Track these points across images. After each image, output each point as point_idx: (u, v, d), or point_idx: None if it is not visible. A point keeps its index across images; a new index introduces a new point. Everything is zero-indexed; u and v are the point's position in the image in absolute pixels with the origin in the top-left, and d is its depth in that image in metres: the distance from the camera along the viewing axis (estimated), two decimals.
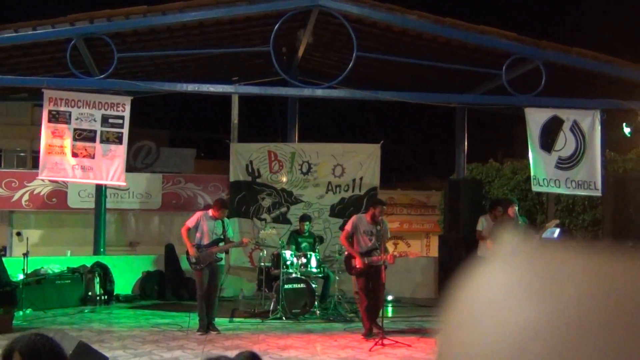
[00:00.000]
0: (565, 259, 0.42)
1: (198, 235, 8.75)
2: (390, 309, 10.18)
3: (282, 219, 11.90)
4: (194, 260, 8.64)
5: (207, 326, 8.61)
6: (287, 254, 9.69)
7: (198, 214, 8.91)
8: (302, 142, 12.78)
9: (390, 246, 9.61)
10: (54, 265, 10.75)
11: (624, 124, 9.11)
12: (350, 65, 8.51)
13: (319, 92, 9.52)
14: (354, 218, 8.73)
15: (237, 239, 10.02)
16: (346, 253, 8.77)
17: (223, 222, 8.90)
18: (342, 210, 11.99)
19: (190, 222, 8.79)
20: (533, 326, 0.39)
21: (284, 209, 11.96)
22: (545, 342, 0.38)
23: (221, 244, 8.79)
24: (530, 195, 11.91)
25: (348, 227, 8.59)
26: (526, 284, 0.41)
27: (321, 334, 8.65)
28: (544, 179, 9.23)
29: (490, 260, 0.45)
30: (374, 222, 8.43)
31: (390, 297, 10.20)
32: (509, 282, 0.42)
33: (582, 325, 0.38)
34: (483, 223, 10.46)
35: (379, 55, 9.48)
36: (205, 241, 8.72)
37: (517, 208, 8.69)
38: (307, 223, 10.51)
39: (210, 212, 8.86)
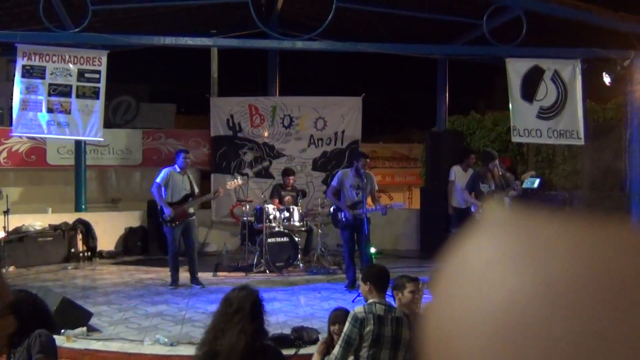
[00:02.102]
0: (553, 229, 0.42)
1: (168, 192, 8.67)
2: (373, 260, 10.27)
3: (265, 174, 11.89)
4: (168, 218, 8.58)
5: (178, 280, 8.68)
6: (270, 208, 9.71)
7: (165, 170, 8.75)
8: (283, 95, 12.68)
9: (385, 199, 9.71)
10: (35, 222, 10.69)
11: (604, 73, 9.11)
12: (330, 16, 8.38)
13: (299, 44, 9.40)
14: (339, 173, 8.84)
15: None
16: (332, 208, 8.84)
17: (188, 176, 8.85)
18: (324, 164, 12.01)
19: (160, 179, 8.67)
20: (518, 296, 0.39)
21: (266, 164, 11.94)
22: (530, 311, 0.38)
23: (190, 199, 8.74)
24: (511, 146, 11.99)
25: (334, 182, 8.70)
26: (512, 254, 0.41)
27: (304, 287, 8.75)
28: (524, 129, 9.26)
29: (476, 230, 0.44)
30: (358, 175, 8.49)
31: (373, 250, 10.28)
32: (495, 251, 0.42)
33: (566, 295, 0.38)
34: (455, 173, 10.55)
35: (359, 6, 9.34)
36: (176, 198, 8.66)
37: (497, 162, 8.73)
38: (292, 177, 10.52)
39: (177, 165, 8.76)
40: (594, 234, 0.40)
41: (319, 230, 10.09)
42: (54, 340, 3.82)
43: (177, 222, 8.58)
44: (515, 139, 9.53)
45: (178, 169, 8.73)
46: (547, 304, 0.38)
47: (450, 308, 0.43)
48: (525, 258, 0.40)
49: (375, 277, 4.28)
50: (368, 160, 8.76)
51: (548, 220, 0.42)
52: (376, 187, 8.90)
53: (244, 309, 3.41)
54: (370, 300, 4.13)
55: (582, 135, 9.05)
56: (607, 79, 9.17)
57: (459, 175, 10.55)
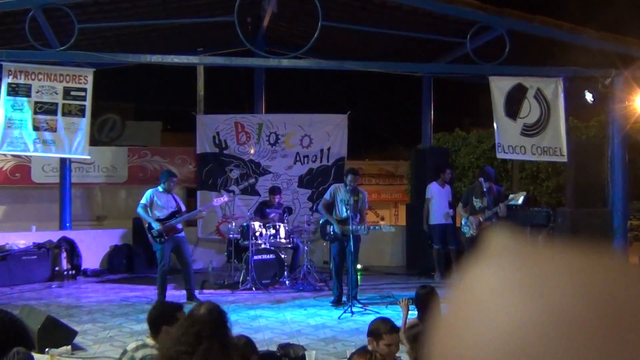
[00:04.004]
0: (556, 258, 0.43)
1: (153, 212, 8.70)
2: (358, 277, 10.29)
3: (251, 191, 11.89)
4: (156, 234, 8.59)
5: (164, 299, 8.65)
6: (256, 225, 9.71)
7: (149, 192, 8.83)
8: (269, 113, 12.73)
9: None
10: (19, 241, 10.61)
11: (586, 91, 9.24)
12: (315, 34, 8.46)
13: (285, 62, 9.46)
14: (332, 187, 8.90)
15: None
16: (321, 221, 8.90)
17: (173, 196, 8.91)
18: (310, 181, 12.03)
19: (144, 199, 8.74)
20: (524, 325, 0.39)
21: (252, 181, 11.94)
22: (537, 340, 0.39)
23: (177, 216, 8.76)
24: (496, 163, 12.08)
25: (326, 195, 8.76)
26: (517, 283, 0.42)
27: (291, 304, 8.73)
28: (509, 146, 9.36)
29: (481, 260, 0.45)
30: (348, 191, 8.55)
31: (359, 266, 10.31)
32: (500, 281, 0.42)
33: (572, 324, 0.39)
34: (431, 190, 10.68)
35: (344, 24, 9.44)
36: (162, 216, 8.68)
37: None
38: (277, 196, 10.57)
39: (160, 187, 8.83)
40: (595, 263, 0.42)
41: (306, 247, 10.09)
42: (32, 357, 3.80)
43: (166, 237, 8.58)
44: (500, 155, 9.64)
45: (161, 190, 8.78)
46: (552, 332, 0.39)
47: (457, 334, 0.43)
48: (530, 286, 0.41)
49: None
50: (357, 176, 8.80)
51: (551, 249, 0.44)
52: (366, 206, 8.94)
53: (207, 330, 3.18)
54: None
55: (565, 152, 9.15)
56: (589, 97, 9.31)
57: (436, 192, 10.67)
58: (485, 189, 9.11)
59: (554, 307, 0.40)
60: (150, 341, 3.81)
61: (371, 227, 8.98)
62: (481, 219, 9.08)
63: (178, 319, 3.79)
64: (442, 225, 10.50)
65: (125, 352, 3.77)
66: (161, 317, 3.87)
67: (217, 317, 3.28)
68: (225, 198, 9.94)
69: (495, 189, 9.27)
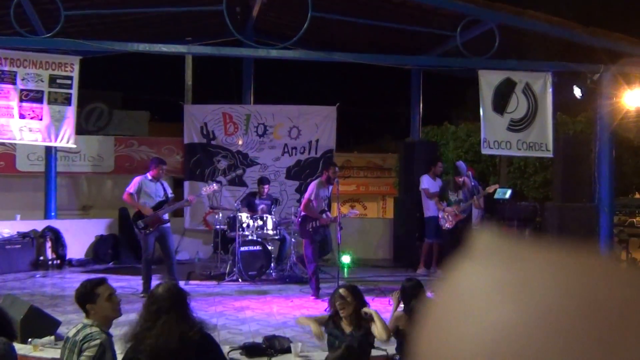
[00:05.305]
0: (540, 259, 0.42)
1: (141, 200, 8.61)
2: (345, 270, 10.30)
3: (238, 182, 11.85)
4: (142, 224, 8.51)
5: (149, 288, 8.60)
6: (243, 216, 9.67)
7: (137, 179, 8.68)
8: (257, 103, 12.68)
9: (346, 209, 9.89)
10: (3, 229, 10.51)
11: (575, 86, 9.26)
12: (305, 25, 8.41)
13: (274, 53, 9.41)
14: (314, 184, 8.71)
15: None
16: (299, 218, 8.79)
17: (162, 184, 8.81)
18: (298, 173, 12.00)
19: (131, 187, 8.61)
20: (508, 326, 0.39)
21: (239, 172, 11.89)
22: (520, 341, 0.39)
23: (164, 206, 8.69)
24: (484, 157, 12.12)
25: (310, 195, 8.56)
26: (501, 284, 0.41)
27: (277, 295, 8.71)
28: (494, 141, 9.38)
29: (465, 261, 0.45)
30: (329, 185, 8.52)
31: (347, 259, 10.30)
32: (483, 282, 0.42)
33: (556, 325, 0.38)
34: (425, 182, 10.73)
35: (334, 15, 9.39)
36: (149, 205, 8.60)
37: (466, 176, 9.72)
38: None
39: (149, 174, 8.71)
40: (582, 263, 0.41)
41: (293, 239, 10.07)
42: (13, 347, 3.77)
43: (151, 229, 8.51)
44: (485, 150, 9.65)
45: (149, 177, 8.68)
46: (538, 332, 0.38)
47: (443, 335, 0.43)
48: (516, 286, 0.41)
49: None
50: (337, 169, 8.79)
51: (537, 248, 0.43)
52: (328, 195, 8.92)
53: (165, 306, 3.53)
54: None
55: (550, 147, 9.17)
56: (577, 92, 9.33)
57: (430, 184, 10.70)
58: (473, 183, 9.34)
59: (539, 307, 0.39)
60: (87, 321, 3.82)
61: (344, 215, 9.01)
62: (457, 212, 9.53)
63: (99, 294, 3.85)
64: (437, 217, 10.47)
65: (67, 339, 3.82)
66: (83, 298, 3.88)
67: (175, 294, 3.65)
68: (214, 186, 9.87)
69: (470, 182, 9.55)
